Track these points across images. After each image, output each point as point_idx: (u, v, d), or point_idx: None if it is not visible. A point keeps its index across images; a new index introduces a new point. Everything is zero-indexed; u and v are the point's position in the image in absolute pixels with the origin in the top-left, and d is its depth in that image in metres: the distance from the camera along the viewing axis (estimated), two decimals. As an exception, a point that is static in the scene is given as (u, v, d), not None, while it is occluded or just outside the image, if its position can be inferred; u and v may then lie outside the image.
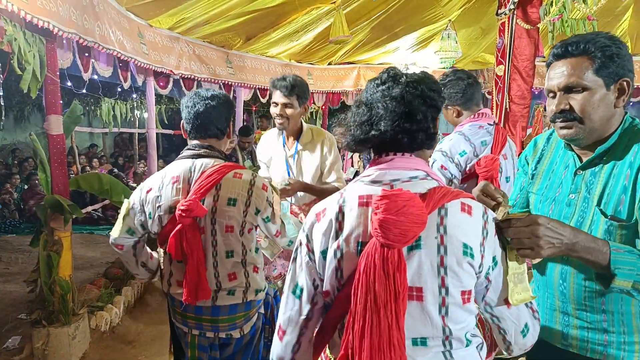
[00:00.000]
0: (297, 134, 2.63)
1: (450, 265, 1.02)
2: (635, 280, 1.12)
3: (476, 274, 1.05)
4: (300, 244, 1.17)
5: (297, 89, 2.48)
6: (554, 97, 1.30)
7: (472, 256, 1.03)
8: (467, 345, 1.08)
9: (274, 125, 2.71)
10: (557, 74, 1.27)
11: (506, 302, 1.09)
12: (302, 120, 2.66)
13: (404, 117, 1.07)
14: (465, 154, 2.23)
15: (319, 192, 2.57)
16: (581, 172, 1.33)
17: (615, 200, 1.24)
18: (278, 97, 2.50)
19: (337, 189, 2.44)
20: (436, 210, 1.03)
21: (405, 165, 1.10)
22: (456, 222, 1.04)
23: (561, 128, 1.29)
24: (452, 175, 2.23)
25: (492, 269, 1.07)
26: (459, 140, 2.25)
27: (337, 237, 1.09)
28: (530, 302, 1.14)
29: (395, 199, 0.98)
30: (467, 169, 2.25)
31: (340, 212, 1.09)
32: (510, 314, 1.11)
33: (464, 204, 1.06)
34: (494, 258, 1.07)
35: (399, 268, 0.99)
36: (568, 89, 1.25)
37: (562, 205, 1.36)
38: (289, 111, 2.50)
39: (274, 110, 2.55)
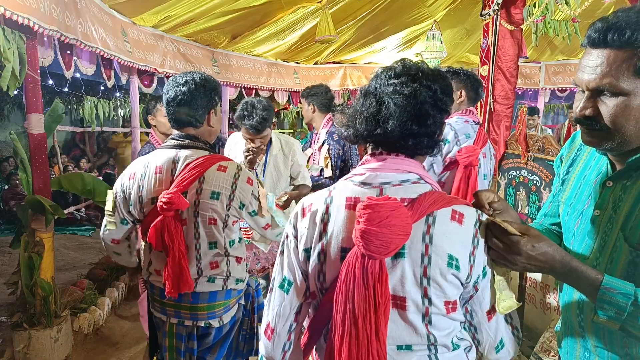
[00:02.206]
0: (267, 145, 2.77)
1: (433, 276, 0.97)
2: (623, 325, 0.95)
3: (463, 285, 1.00)
4: (287, 236, 1.14)
5: (267, 122, 2.57)
6: (582, 92, 1.01)
7: (457, 268, 0.98)
8: (454, 349, 1.06)
9: None
10: (589, 68, 0.97)
11: (488, 314, 1.05)
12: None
13: (414, 119, 1.00)
14: (448, 142, 2.40)
15: (299, 195, 2.85)
16: (611, 183, 1.06)
17: None
18: (251, 135, 2.59)
19: (309, 187, 2.89)
20: (423, 218, 0.98)
21: (398, 167, 1.04)
22: (444, 231, 0.98)
23: (584, 133, 1.05)
24: (433, 160, 2.39)
25: (482, 279, 1.02)
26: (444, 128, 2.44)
27: (320, 238, 1.06)
28: (511, 318, 1.10)
29: (379, 210, 0.94)
30: (448, 157, 2.41)
31: (327, 213, 1.06)
32: (489, 327, 1.07)
33: (455, 212, 1.00)
34: (484, 268, 1.02)
35: (380, 279, 0.95)
36: (599, 92, 0.97)
37: (588, 222, 1.10)
38: (263, 140, 2.65)
39: (249, 145, 2.62)
